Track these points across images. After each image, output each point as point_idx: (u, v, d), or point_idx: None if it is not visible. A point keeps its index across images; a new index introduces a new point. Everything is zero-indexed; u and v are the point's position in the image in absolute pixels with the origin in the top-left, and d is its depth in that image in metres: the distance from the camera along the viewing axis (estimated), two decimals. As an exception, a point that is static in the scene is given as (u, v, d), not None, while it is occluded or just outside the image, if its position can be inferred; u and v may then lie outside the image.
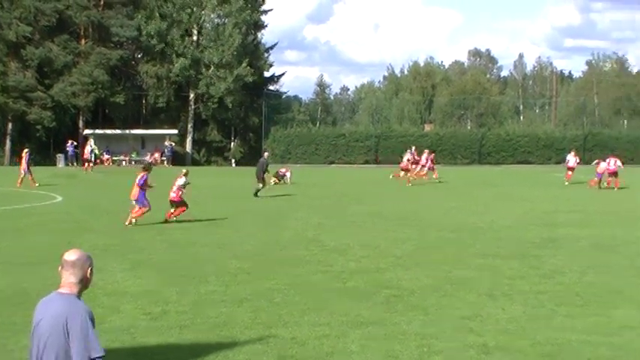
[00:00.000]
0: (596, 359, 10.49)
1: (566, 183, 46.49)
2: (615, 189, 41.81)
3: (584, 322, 12.36)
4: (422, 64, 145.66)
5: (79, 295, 5.77)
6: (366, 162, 77.12)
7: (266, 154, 40.90)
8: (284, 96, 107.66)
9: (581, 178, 45.71)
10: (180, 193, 25.93)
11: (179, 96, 79.78)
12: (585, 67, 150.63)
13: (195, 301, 13.67)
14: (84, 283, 5.78)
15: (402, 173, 46.50)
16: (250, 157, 78.34)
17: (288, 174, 46.20)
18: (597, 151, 79.57)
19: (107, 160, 70.11)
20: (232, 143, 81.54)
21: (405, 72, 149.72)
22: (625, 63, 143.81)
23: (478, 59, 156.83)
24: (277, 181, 44.53)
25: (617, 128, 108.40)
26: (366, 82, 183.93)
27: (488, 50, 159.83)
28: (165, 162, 71.34)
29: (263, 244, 20.94)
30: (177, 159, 73.38)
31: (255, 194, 35.48)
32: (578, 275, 16.42)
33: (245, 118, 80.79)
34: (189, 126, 79.77)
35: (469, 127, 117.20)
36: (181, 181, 26.02)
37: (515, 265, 17.68)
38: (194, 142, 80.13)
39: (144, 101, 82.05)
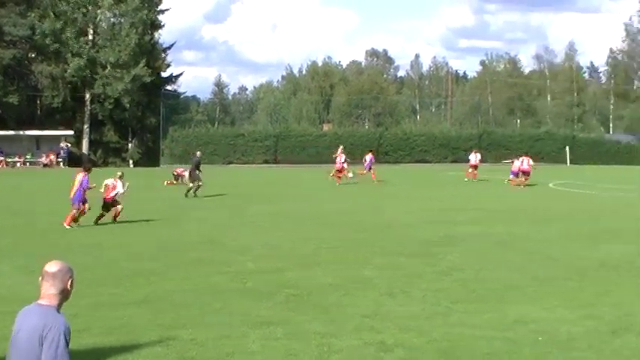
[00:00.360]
0: (491, 354, 10.69)
1: (466, 179, 47.50)
2: (522, 187, 43.07)
3: (479, 318, 12.59)
4: (320, 64, 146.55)
5: (58, 308, 5.71)
6: (265, 162, 77.12)
7: (198, 153, 41.61)
8: (182, 96, 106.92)
9: (484, 177, 46.68)
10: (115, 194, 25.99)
11: (75, 96, 78.04)
12: (479, 68, 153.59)
13: (93, 304, 13.42)
14: (64, 294, 5.73)
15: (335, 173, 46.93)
16: (148, 158, 77.53)
17: (185, 174, 45.89)
18: (492, 149, 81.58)
19: (0, 162, 68.48)
20: (130, 144, 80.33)
21: (304, 72, 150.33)
22: (517, 63, 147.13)
23: (375, 59, 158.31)
24: (175, 181, 44.25)
25: (511, 127, 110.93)
26: (265, 81, 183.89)
27: (385, 50, 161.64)
28: (62, 163, 70.10)
29: (163, 245, 20.73)
30: (74, 160, 71.98)
31: (195, 194, 35.99)
32: (475, 272, 16.73)
33: (142, 118, 79.65)
34: (86, 127, 78.18)
35: (367, 127, 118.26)
36: (120, 188, 26.05)
37: (415, 263, 17.91)
38: (90, 143, 78.56)
39: (38, 102, 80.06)
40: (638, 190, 42.78)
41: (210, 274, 16.52)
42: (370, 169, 48.57)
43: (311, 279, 15.89)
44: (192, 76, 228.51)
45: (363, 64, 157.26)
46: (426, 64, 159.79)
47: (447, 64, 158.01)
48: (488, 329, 11.91)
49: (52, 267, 5.71)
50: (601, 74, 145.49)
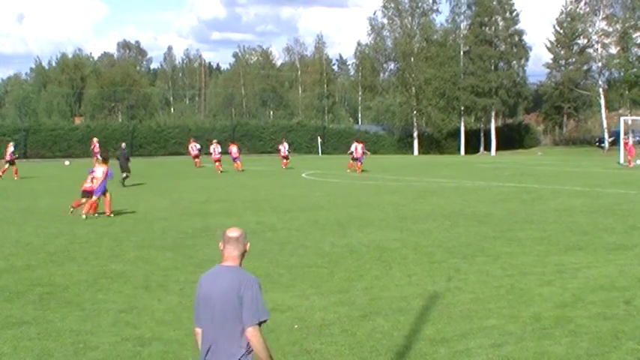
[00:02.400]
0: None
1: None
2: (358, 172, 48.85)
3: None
4: (70, 56, 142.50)
5: (240, 266, 6.51)
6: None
7: (123, 144, 45.82)
8: None
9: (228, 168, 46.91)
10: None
11: None
12: (232, 60, 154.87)
13: None
14: (244, 255, 6.55)
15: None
16: None
17: None
18: (245, 141, 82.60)
19: None
20: None
21: (53, 64, 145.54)
22: (270, 56, 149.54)
23: (127, 51, 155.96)
24: None
25: (264, 118, 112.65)
26: (12, 74, 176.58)
27: (137, 42, 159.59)
28: None
29: None
30: None
31: (124, 184, 39.22)
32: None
33: None
34: None
35: (120, 119, 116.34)
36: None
37: (170, 256, 17.89)
38: None
39: None
40: (386, 178, 44.74)
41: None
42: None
43: (64, 275, 15.52)
44: None
45: (115, 56, 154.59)
46: (179, 56, 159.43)
47: (200, 56, 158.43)
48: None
49: (234, 232, 6.57)
50: (349, 67, 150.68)
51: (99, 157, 29.44)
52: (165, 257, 17.77)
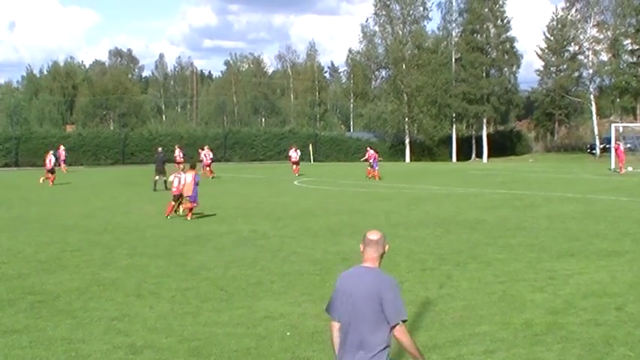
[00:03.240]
0: (241, 350, 10.88)
1: (296, 175, 52.73)
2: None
3: (229, 316, 12.78)
4: (62, 64, 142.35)
5: (379, 266, 6.80)
6: (6, 165, 73.97)
7: (160, 149, 48.08)
8: None
9: (222, 175, 46.91)
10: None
11: None
12: (224, 68, 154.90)
13: None
14: (382, 256, 6.84)
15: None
16: None
17: None
18: (237, 148, 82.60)
19: None
20: None
21: (45, 72, 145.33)
22: (262, 63, 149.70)
23: (119, 59, 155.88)
24: None
25: (256, 126, 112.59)
26: (4, 82, 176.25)
27: (129, 50, 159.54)
28: None
29: None
30: None
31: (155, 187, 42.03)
32: (223, 270, 16.93)
33: None
34: None
35: (112, 127, 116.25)
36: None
37: (162, 264, 17.88)
38: None
39: None
40: (378, 185, 44.77)
41: (-53, 283, 15.72)
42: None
43: (55, 284, 15.49)
44: None
45: (107, 63, 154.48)
46: (170, 64, 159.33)
47: (192, 63, 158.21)
48: (238, 326, 12.11)
49: (374, 235, 6.87)
50: (341, 74, 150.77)
51: (184, 164, 32.68)
52: (157, 265, 17.75)
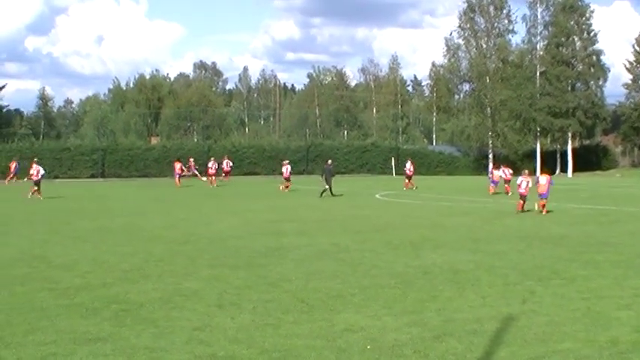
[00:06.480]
0: (320, 362, 10.87)
1: (404, 189, 53.75)
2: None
3: (309, 328, 12.76)
4: (148, 76, 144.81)
5: None
6: (92, 176, 75.55)
7: (329, 161, 51.82)
8: (4, 110, 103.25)
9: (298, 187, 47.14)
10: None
11: None
12: (307, 80, 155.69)
13: None
14: None
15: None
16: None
17: None
18: (319, 161, 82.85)
19: None
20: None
21: (131, 85, 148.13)
22: (344, 76, 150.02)
23: (204, 72, 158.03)
24: None
25: (338, 139, 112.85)
26: (91, 94, 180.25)
27: (213, 63, 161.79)
28: None
29: (-17, 264, 19.96)
30: None
31: (322, 194, 45.75)
32: (303, 283, 16.93)
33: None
34: None
35: (195, 140, 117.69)
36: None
37: (243, 275, 17.96)
38: None
39: None
40: (461, 199, 44.40)
41: (36, 290, 16.03)
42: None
43: (139, 293, 15.68)
44: (15, 89, 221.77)
45: (191, 76, 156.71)
46: (254, 77, 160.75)
47: (275, 76, 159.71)
48: (318, 339, 12.08)
49: None
50: (424, 88, 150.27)
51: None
52: (239, 276, 17.84)
